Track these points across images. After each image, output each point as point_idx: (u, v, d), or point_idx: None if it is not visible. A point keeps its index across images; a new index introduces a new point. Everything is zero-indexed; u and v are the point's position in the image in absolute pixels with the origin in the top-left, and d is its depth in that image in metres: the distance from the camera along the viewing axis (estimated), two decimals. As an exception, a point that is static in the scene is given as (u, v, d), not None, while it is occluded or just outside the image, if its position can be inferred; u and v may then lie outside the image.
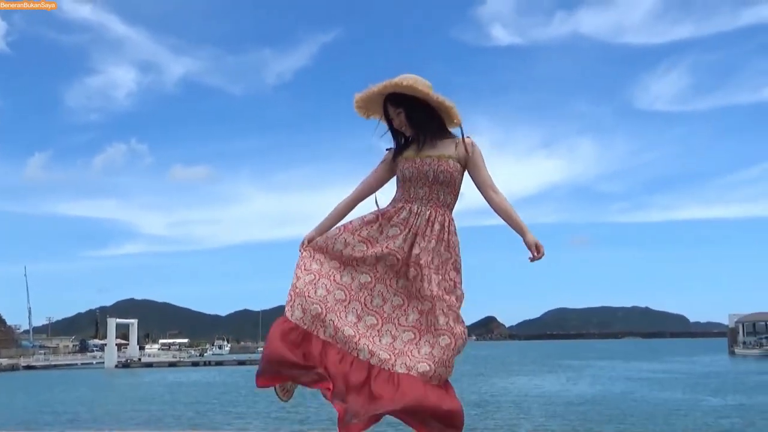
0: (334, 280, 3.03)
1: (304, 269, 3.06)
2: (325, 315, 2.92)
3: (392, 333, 2.97)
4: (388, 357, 2.86)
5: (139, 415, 27.93)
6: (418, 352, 2.90)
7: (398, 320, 2.98)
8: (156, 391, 42.79)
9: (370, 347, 2.89)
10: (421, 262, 3.00)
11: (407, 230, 3.03)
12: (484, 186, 3.17)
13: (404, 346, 2.91)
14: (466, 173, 3.19)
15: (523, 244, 3.15)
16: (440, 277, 3.00)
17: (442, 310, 2.94)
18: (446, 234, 3.06)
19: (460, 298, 3.03)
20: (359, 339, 2.91)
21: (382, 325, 2.96)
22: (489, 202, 3.18)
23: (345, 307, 2.98)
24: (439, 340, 2.90)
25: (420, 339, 2.93)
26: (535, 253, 3.10)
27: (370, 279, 3.04)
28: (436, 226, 3.04)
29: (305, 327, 2.92)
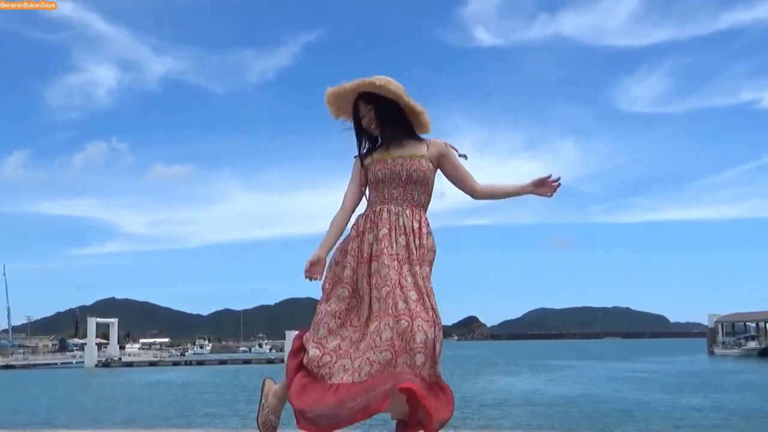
0: (351, 324, 2.98)
1: (330, 314, 3.00)
2: (335, 362, 2.88)
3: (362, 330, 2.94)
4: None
5: (116, 414, 27.70)
6: (380, 339, 2.83)
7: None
8: (135, 390, 42.47)
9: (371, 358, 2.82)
10: (416, 269, 2.96)
11: (394, 232, 2.99)
12: (466, 179, 3.18)
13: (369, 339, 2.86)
14: (438, 175, 3.18)
15: (537, 192, 3.16)
16: (425, 276, 2.99)
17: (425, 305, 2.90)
18: (425, 234, 3.05)
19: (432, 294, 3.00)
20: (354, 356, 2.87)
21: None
22: (475, 193, 3.18)
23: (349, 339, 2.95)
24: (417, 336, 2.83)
25: (381, 324, 2.85)
26: (551, 186, 3.15)
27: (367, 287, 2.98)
28: (415, 225, 3.02)
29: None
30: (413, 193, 3.05)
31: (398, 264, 2.95)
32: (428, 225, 3.09)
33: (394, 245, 2.97)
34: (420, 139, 3.14)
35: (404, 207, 3.03)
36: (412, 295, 2.87)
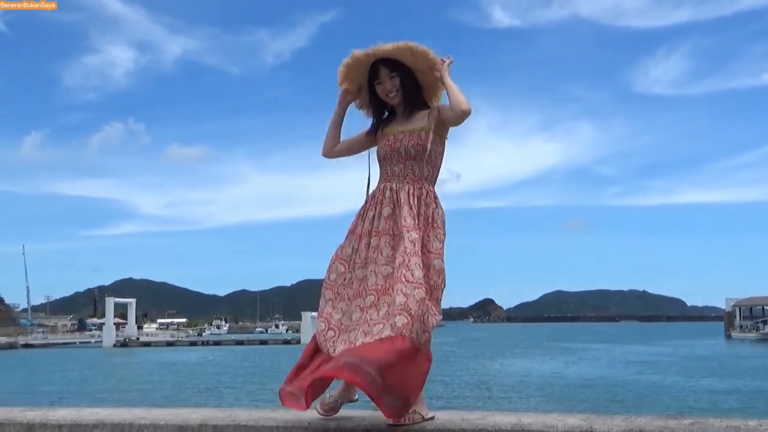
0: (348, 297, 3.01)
1: (336, 294, 3.01)
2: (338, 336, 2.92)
3: (360, 306, 2.90)
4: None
5: (130, 394, 27.86)
6: (377, 314, 2.79)
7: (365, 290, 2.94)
8: (151, 370, 42.80)
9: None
10: (408, 232, 2.89)
11: (397, 209, 3.00)
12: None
13: (365, 314, 2.83)
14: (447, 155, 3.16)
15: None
16: (418, 243, 2.89)
17: (404, 273, 2.80)
18: (425, 206, 3.02)
19: (441, 272, 2.91)
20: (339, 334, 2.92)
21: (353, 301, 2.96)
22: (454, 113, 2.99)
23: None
24: (396, 298, 2.73)
25: (378, 300, 2.83)
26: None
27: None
28: (414, 201, 3.01)
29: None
30: (414, 168, 3.05)
31: (401, 240, 2.92)
32: (435, 196, 3.06)
33: (397, 221, 2.98)
34: (427, 108, 3.12)
35: (404, 183, 3.04)
36: (408, 268, 2.82)
